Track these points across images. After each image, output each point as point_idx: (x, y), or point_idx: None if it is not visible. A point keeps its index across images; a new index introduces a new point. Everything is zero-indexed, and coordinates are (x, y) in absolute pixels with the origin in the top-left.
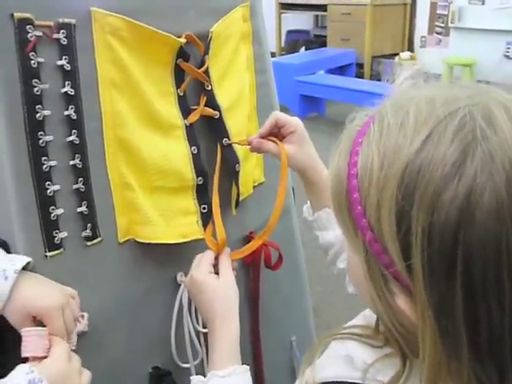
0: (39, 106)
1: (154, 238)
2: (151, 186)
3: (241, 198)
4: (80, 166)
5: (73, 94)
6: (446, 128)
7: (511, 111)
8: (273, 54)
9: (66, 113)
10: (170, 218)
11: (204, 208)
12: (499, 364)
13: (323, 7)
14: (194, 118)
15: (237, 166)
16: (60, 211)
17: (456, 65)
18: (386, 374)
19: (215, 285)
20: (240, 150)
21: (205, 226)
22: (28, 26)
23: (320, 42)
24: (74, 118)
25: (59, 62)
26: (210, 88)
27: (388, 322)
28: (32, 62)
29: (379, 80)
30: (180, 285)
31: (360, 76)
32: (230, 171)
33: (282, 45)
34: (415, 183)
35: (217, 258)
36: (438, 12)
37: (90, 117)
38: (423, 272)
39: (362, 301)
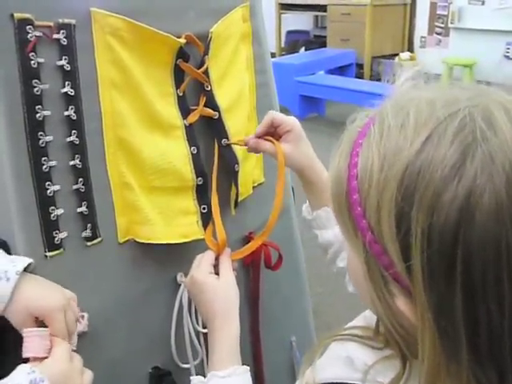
0: (39, 106)
1: (153, 238)
2: (151, 186)
3: (240, 199)
4: (80, 167)
5: (73, 94)
6: (446, 129)
7: (511, 112)
8: (273, 55)
9: (66, 113)
10: (169, 218)
11: (204, 208)
12: (499, 365)
13: (323, 7)
14: (193, 118)
15: (236, 166)
16: (60, 211)
17: (456, 65)
18: (386, 375)
19: (215, 285)
20: (239, 151)
21: (205, 226)
22: (28, 27)
23: (320, 42)
24: (74, 118)
25: (59, 63)
26: (209, 88)
27: (388, 323)
28: (32, 62)
29: (379, 80)
30: (180, 285)
31: (360, 76)
32: (230, 171)
33: (282, 45)
34: (415, 184)
35: (217, 259)
36: (437, 12)
37: (90, 117)
38: (423, 273)
39: (362, 301)
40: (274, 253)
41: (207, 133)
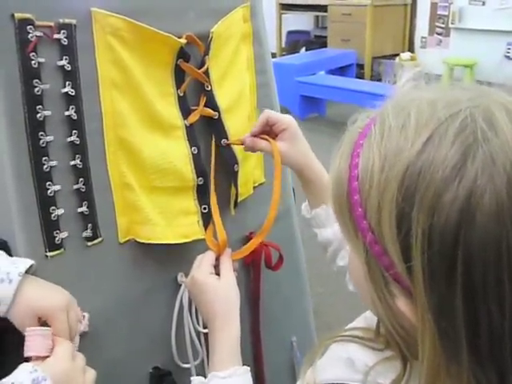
0: (40, 106)
1: (154, 239)
2: (151, 186)
3: (241, 199)
4: (80, 167)
5: (73, 94)
6: (447, 130)
7: None
8: (273, 55)
9: (67, 113)
10: (170, 218)
11: (205, 208)
12: (499, 367)
13: (324, 8)
14: (193, 118)
15: (235, 166)
16: (60, 211)
17: (456, 65)
18: (386, 376)
19: (216, 285)
20: (239, 151)
21: (205, 226)
22: (29, 27)
23: (320, 42)
24: (75, 118)
25: (60, 63)
26: (209, 88)
27: (388, 324)
28: (33, 62)
29: (379, 81)
30: (180, 285)
31: (360, 77)
32: (229, 172)
33: (283, 45)
34: (416, 185)
35: (217, 259)
36: (438, 12)
37: (91, 117)
38: (423, 274)
39: (362, 302)
40: (275, 253)
41: (208, 133)
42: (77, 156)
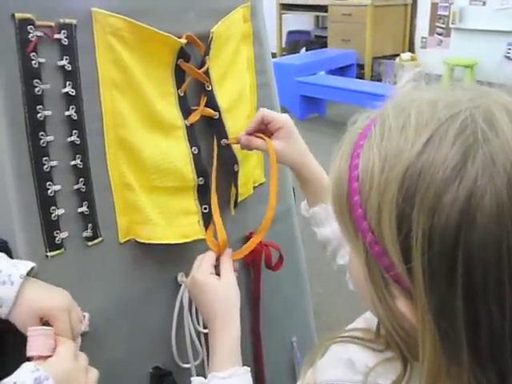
0: (40, 106)
1: (154, 238)
2: (152, 186)
3: (241, 199)
4: (81, 167)
5: (74, 94)
6: (448, 131)
7: None
8: (273, 55)
9: (67, 113)
10: (170, 218)
11: (205, 208)
12: (500, 368)
13: (324, 8)
14: (194, 118)
15: (235, 166)
16: (61, 211)
17: (457, 66)
18: (387, 377)
19: (216, 285)
20: (239, 151)
21: (206, 226)
22: (29, 27)
23: (321, 42)
24: (75, 118)
25: (60, 63)
26: (210, 88)
27: (388, 325)
28: (33, 62)
29: (380, 81)
30: (181, 285)
31: (361, 77)
32: (229, 172)
33: (283, 45)
34: (416, 186)
35: (218, 259)
36: (438, 13)
37: (91, 117)
38: (423, 275)
39: (362, 303)
40: (275, 253)
41: (208, 133)
42: (77, 156)
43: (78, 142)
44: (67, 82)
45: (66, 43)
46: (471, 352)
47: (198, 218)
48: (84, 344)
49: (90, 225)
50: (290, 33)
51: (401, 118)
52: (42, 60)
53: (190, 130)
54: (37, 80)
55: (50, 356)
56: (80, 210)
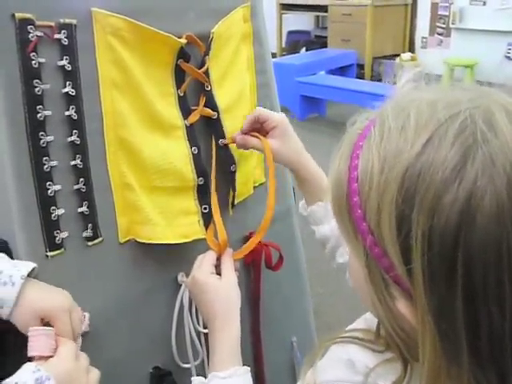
0: (40, 106)
1: (154, 238)
2: (152, 186)
3: (241, 199)
4: (81, 167)
5: (74, 94)
6: (447, 131)
7: None
8: (273, 55)
9: (67, 113)
10: (170, 218)
11: (205, 208)
12: (500, 368)
13: (324, 8)
14: (193, 118)
15: (232, 166)
16: (61, 211)
17: (457, 66)
18: (387, 378)
19: (217, 285)
20: (239, 151)
21: (206, 226)
22: (29, 27)
23: (321, 42)
24: (75, 118)
25: (60, 63)
26: (209, 88)
27: (389, 326)
28: (33, 62)
29: (380, 81)
30: (181, 285)
31: (361, 77)
32: (227, 172)
33: (283, 45)
34: (415, 187)
35: (218, 259)
36: (439, 13)
37: (91, 117)
38: (423, 276)
39: (362, 304)
40: (275, 253)
41: (207, 133)
42: (77, 156)
43: (78, 142)
44: (67, 82)
45: (66, 43)
46: (471, 353)
47: (198, 217)
48: (84, 344)
49: (90, 225)
50: (290, 33)
51: (400, 118)
52: (42, 60)
53: (190, 129)
54: (37, 80)
55: (51, 356)
56: (80, 209)
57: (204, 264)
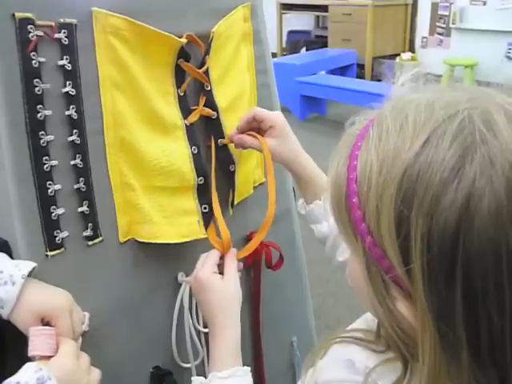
0: (40, 105)
1: (154, 238)
2: (152, 185)
3: (241, 198)
4: (81, 166)
5: (74, 93)
6: (445, 132)
7: (511, 114)
8: (274, 55)
9: (67, 113)
10: (170, 218)
11: (205, 208)
12: (500, 369)
13: (324, 8)
14: (193, 118)
15: (232, 166)
16: (61, 211)
17: (457, 66)
18: (387, 378)
19: (219, 285)
20: (239, 151)
21: (206, 225)
22: (29, 26)
23: (321, 42)
24: (75, 117)
25: (60, 62)
26: (209, 88)
27: (389, 326)
28: (33, 61)
29: (380, 81)
30: (181, 285)
31: (361, 77)
32: (226, 172)
33: (283, 45)
34: (414, 188)
35: (221, 258)
36: (439, 13)
37: (91, 117)
38: (423, 277)
39: (362, 305)
40: (275, 253)
41: (207, 132)
42: (77, 155)
43: (78, 142)
44: (67, 82)
45: (67, 43)
46: (471, 353)
47: (198, 217)
48: (84, 344)
49: (90, 224)
50: (291, 33)
51: (398, 119)
52: (42, 59)
53: (190, 129)
54: (37, 80)
55: (51, 356)
56: (80, 209)
57: (207, 263)
